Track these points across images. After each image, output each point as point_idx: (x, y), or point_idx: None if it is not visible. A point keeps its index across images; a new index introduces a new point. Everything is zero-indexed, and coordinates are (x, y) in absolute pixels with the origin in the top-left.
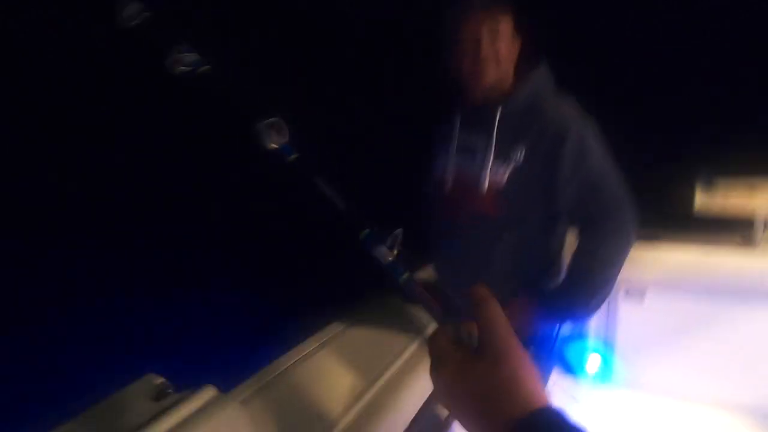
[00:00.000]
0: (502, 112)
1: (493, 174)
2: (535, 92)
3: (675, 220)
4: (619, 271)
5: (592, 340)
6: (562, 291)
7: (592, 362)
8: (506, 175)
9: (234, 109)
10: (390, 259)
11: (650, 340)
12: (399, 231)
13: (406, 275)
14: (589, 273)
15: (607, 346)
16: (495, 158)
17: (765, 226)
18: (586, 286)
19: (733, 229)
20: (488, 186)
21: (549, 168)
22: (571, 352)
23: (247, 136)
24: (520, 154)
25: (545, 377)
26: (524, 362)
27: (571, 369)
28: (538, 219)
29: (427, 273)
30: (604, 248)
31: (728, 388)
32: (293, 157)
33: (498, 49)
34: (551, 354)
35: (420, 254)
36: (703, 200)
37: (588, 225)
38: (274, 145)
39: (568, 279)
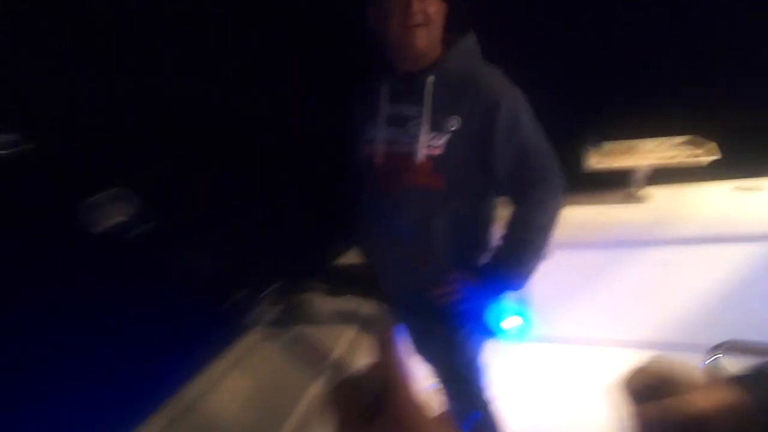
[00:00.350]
0: (434, 80)
1: (429, 144)
2: (466, 60)
3: (570, 182)
4: (552, 235)
5: (508, 302)
6: (501, 262)
7: (511, 323)
8: (442, 145)
9: (66, 186)
10: (273, 316)
11: (560, 295)
12: (278, 285)
13: (294, 330)
14: (529, 240)
15: (523, 306)
16: (430, 128)
17: (643, 181)
18: (525, 254)
19: (618, 186)
20: (424, 157)
21: (485, 136)
22: (491, 316)
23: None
24: (455, 124)
25: (480, 350)
26: (424, 415)
27: (492, 332)
28: (475, 189)
29: (352, 257)
30: (540, 214)
31: (631, 328)
32: (144, 228)
33: (428, 11)
34: (486, 327)
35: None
36: (593, 162)
37: (523, 192)
38: (119, 220)
39: (505, 249)
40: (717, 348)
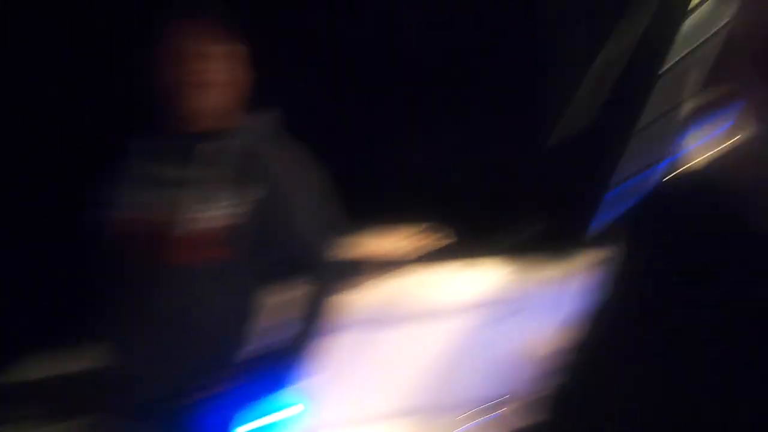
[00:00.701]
0: (224, 147)
1: (212, 215)
2: (263, 132)
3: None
4: (329, 321)
5: (285, 392)
6: (280, 349)
7: (288, 413)
8: (226, 219)
9: None
10: None
11: (328, 377)
12: None
13: None
14: (308, 326)
15: (298, 394)
16: (212, 198)
17: (392, 265)
18: (304, 340)
19: (369, 271)
20: (203, 229)
21: (273, 215)
22: (268, 408)
23: None
24: (243, 197)
25: None
26: None
27: (270, 427)
28: (255, 270)
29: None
30: (320, 299)
31: (403, 399)
32: None
33: (228, 74)
34: (264, 422)
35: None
36: (350, 250)
37: (304, 276)
38: None
39: (286, 335)
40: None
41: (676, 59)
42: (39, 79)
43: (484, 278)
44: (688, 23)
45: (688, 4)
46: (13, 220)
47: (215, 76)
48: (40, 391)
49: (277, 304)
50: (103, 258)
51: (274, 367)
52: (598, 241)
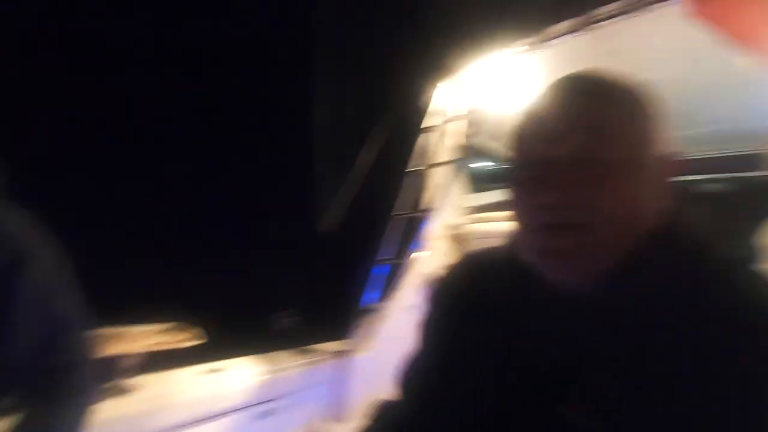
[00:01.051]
0: None
1: None
2: None
3: None
4: None
5: None
6: None
7: None
8: None
9: None
10: None
11: None
12: None
13: None
14: None
15: None
16: None
17: (131, 370)
18: None
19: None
20: None
21: None
22: None
23: None
24: None
25: None
26: None
27: None
28: None
29: None
30: (69, 411)
31: None
32: None
33: None
34: None
35: None
36: (88, 349)
37: (44, 383)
38: None
39: None
40: None
41: (416, 166)
42: None
43: (235, 380)
44: (423, 139)
45: (421, 123)
46: None
47: None
48: None
49: None
50: None
51: None
52: (355, 327)
